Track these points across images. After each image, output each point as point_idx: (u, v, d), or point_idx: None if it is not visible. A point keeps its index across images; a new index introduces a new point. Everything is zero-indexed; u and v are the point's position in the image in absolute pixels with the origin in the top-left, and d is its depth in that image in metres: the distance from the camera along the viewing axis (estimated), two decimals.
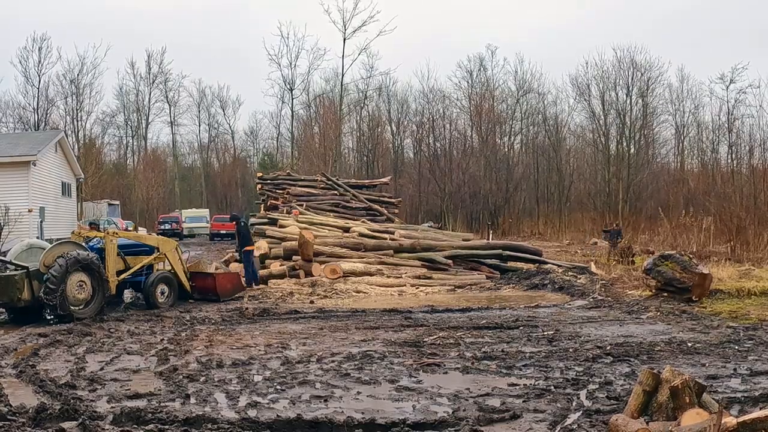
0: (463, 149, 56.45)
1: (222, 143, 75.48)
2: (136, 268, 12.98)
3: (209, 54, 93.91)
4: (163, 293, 13.10)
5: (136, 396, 6.39)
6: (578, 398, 6.20)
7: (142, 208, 61.76)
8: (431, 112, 58.46)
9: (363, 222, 24.13)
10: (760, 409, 5.43)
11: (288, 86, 65.56)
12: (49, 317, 11.10)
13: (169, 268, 13.54)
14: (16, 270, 11.23)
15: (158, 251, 13.46)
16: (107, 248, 12.47)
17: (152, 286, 12.95)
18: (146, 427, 5.42)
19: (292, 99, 65.79)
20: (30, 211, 27.88)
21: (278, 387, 6.71)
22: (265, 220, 22.56)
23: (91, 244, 12.78)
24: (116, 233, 13.24)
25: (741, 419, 4.41)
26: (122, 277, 12.68)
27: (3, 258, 11.99)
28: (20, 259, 11.67)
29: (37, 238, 28.53)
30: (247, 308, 12.66)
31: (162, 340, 9.45)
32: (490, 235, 37.56)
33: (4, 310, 11.98)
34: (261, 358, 8.07)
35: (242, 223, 17.76)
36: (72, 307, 11.17)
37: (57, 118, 59.85)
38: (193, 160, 75.80)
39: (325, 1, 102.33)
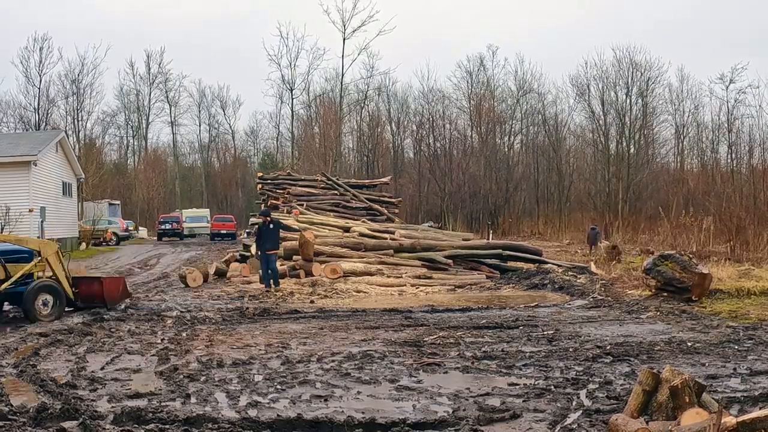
0: (463, 149, 56.50)
1: (222, 143, 75.60)
2: (17, 276, 11.02)
3: (209, 54, 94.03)
4: (45, 304, 11.06)
5: (137, 395, 6.39)
6: (578, 398, 6.20)
7: (142, 208, 61.84)
8: (431, 112, 58.56)
9: (363, 222, 24.16)
10: (760, 408, 5.44)
11: (288, 86, 65.72)
12: None
13: (50, 274, 11.58)
14: None
15: (39, 255, 11.48)
16: None
17: (31, 296, 10.88)
18: (147, 427, 5.43)
19: (292, 99, 65.93)
20: (31, 211, 27.91)
21: (279, 386, 6.72)
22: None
23: None
24: None
25: (741, 419, 4.42)
26: (3, 287, 10.85)
27: None
28: None
29: (38, 237, 28.57)
30: (247, 308, 12.67)
31: (162, 339, 9.45)
32: (490, 235, 37.59)
33: None
34: (261, 358, 8.07)
35: (274, 223, 16.46)
36: None
37: (58, 118, 60.02)
38: (193, 160, 75.95)
39: (324, 2, 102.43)
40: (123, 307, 12.97)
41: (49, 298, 11.17)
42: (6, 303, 11.86)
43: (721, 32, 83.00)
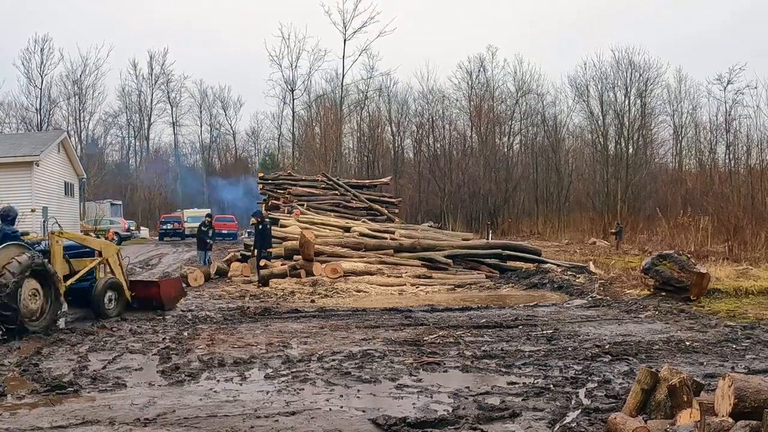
0: (463, 149, 56.52)
1: (223, 144, 75.69)
2: (82, 272, 11.37)
3: (210, 55, 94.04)
4: (111, 300, 11.66)
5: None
6: (577, 397, 6.25)
7: (144, 208, 61.85)
8: (431, 113, 58.62)
9: (363, 222, 24.20)
10: None
11: (289, 87, 65.71)
12: None
13: (109, 273, 12.01)
14: None
15: (100, 255, 11.95)
16: (53, 250, 10.81)
17: (100, 292, 11.43)
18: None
19: (293, 99, 65.92)
20: (33, 211, 27.95)
21: (279, 385, 6.76)
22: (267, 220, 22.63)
23: (38, 247, 11.01)
24: (61, 233, 11.34)
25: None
26: (69, 282, 11.00)
27: None
28: None
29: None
30: (248, 307, 12.72)
31: (164, 338, 9.50)
32: (490, 235, 37.63)
33: None
34: (262, 357, 8.12)
35: (267, 224, 17.38)
36: (25, 319, 9.48)
37: (60, 119, 60.06)
38: (195, 161, 75.93)
39: (325, 3, 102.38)
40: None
41: (114, 295, 11.81)
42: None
43: (719, 33, 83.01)
